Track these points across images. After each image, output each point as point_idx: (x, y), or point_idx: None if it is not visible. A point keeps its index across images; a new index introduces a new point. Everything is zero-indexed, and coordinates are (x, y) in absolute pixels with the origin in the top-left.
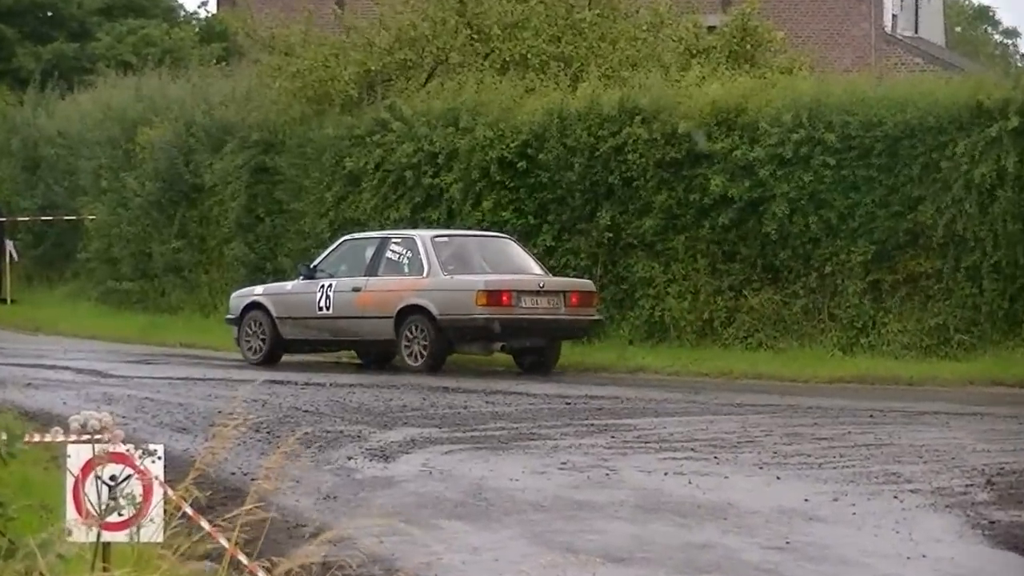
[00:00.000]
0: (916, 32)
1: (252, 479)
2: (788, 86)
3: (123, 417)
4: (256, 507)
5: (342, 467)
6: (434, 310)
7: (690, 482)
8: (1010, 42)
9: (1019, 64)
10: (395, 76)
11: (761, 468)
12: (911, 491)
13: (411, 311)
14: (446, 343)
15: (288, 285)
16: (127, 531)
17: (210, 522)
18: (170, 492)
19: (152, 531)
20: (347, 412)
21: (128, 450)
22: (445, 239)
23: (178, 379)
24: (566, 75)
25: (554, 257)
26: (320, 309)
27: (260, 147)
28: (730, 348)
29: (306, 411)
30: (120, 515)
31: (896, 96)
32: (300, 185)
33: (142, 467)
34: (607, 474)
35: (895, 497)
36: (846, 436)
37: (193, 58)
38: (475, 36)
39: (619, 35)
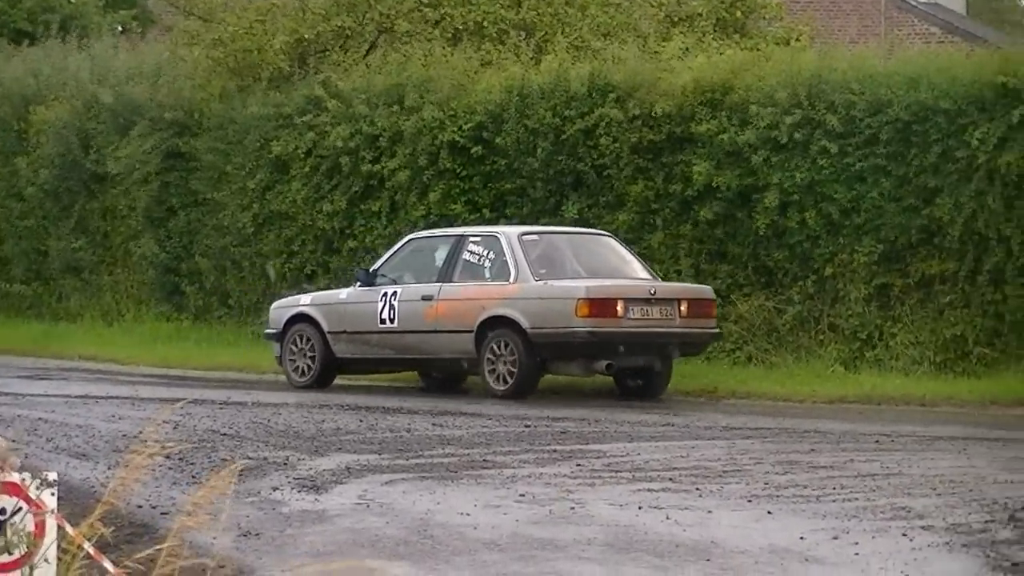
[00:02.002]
0: None
1: (163, 513)
2: (784, 60)
3: (13, 441)
4: (169, 546)
5: (266, 499)
6: (524, 323)
7: (668, 517)
8: None
9: None
10: (331, 46)
11: (750, 501)
12: (923, 528)
13: (496, 324)
14: (538, 362)
15: (342, 293)
16: (18, 572)
17: (115, 562)
18: (69, 528)
19: (47, 573)
20: (272, 436)
21: (23, 479)
22: (535, 237)
23: (77, 397)
24: (528, 46)
25: None
26: (382, 322)
27: (173, 129)
28: (715, 362)
29: (225, 434)
30: (10, 554)
31: (909, 72)
32: (220, 172)
33: (36, 499)
34: (572, 508)
35: (904, 535)
36: (848, 464)
37: (98, 27)
38: (424, 0)
39: (589, 0)
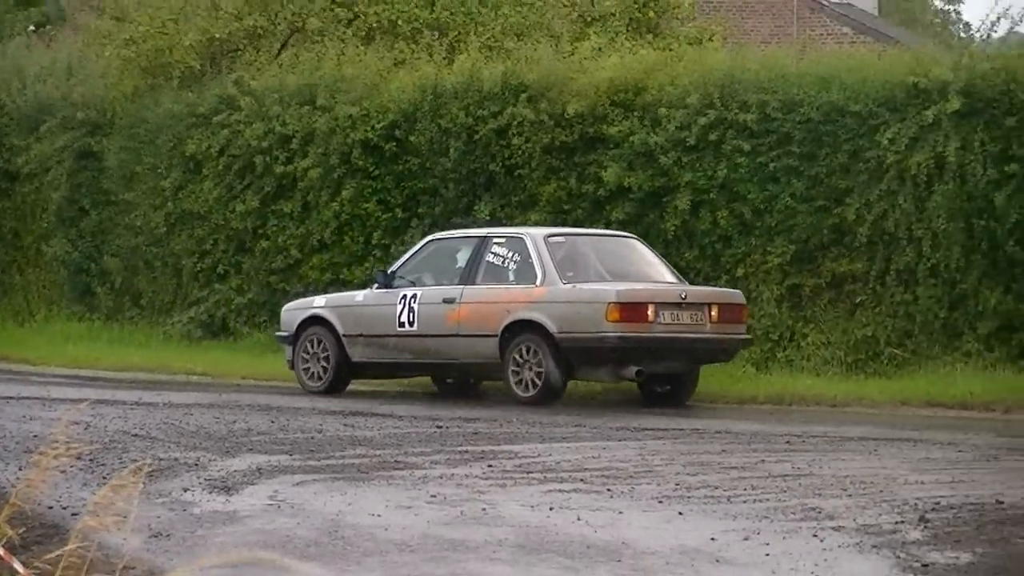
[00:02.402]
0: None
1: (73, 514)
2: (696, 60)
3: None
4: (78, 547)
5: (177, 500)
6: (552, 327)
7: (579, 518)
8: (951, 8)
9: (962, 35)
10: (243, 45)
11: (661, 502)
12: (833, 529)
13: (522, 328)
14: (566, 368)
15: (359, 295)
16: None
17: (24, 564)
18: None
19: None
20: (183, 437)
21: None
22: (560, 239)
23: None
24: (441, 45)
25: None
26: (401, 325)
27: (85, 128)
28: None
29: (136, 435)
30: None
31: (820, 72)
32: (132, 172)
33: None
34: (484, 509)
35: (815, 535)
36: (759, 465)
37: (8, 24)
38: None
39: (502, 0)
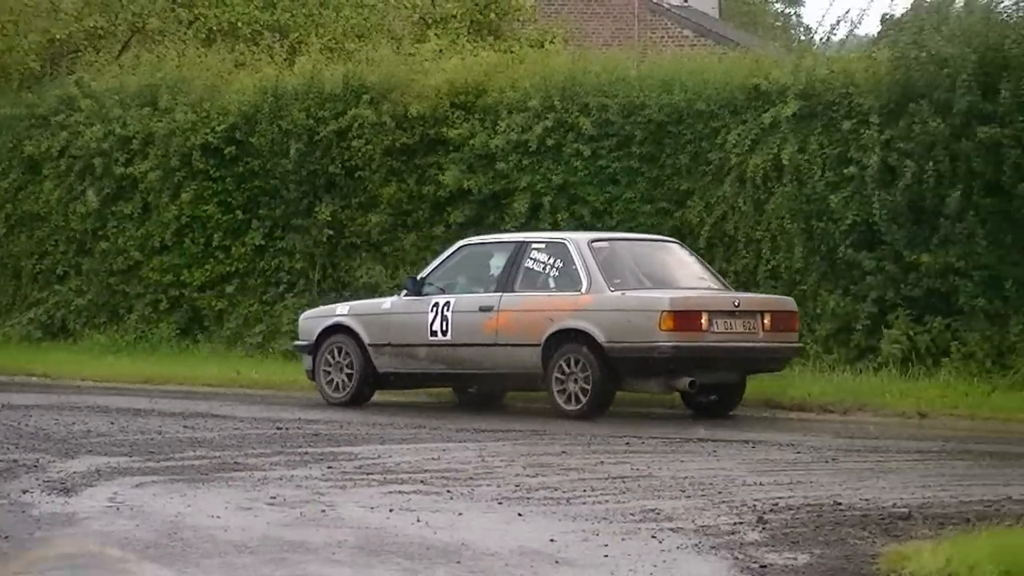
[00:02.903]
0: (685, 0)
1: None
2: (538, 62)
3: None
4: None
5: (16, 502)
6: (600, 336)
7: (419, 519)
8: (792, 11)
9: (802, 38)
10: (84, 46)
11: (501, 503)
12: (672, 530)
13: (567, 337)
14: (614, 379)
15: (386, 303)
16: None
17: None
18: None
19: None
20: (22, 438)
21: None
22: (604, 244)
23: None
24: (282, 47)
25: (264, 258)
26: (434, 334)
27: None
28: None
29: None
30: None
31: (661, 75)
32: None
33: None
34: (323, 510)
35: (653, 537)
36: (598, 467)
37: None
38: (177, 1)
39: (343, 1)
